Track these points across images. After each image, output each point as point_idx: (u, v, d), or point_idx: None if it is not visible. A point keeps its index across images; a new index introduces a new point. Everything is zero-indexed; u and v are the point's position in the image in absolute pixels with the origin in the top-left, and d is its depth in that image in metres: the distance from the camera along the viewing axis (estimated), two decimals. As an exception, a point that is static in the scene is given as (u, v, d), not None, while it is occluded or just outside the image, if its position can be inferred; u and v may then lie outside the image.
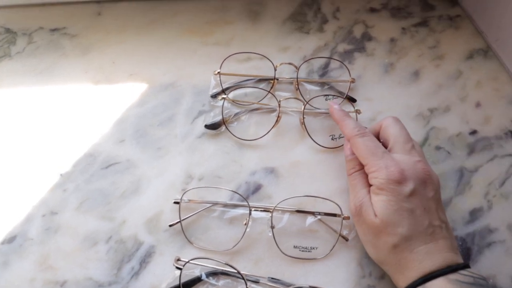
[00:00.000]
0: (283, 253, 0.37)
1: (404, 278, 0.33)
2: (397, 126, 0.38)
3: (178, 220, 0.39)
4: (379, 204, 0.34)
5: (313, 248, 0.38)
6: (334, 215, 0.39)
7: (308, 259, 0.38)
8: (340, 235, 0.38)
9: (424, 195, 0.34)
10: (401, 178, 0.33)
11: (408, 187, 0.33)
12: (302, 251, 0.38)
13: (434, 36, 0.52)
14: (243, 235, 0.38)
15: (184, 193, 0.40)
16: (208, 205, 0.40)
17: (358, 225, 0.36)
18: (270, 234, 0.38)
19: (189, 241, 0.39)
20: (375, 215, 0.34)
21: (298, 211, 0.40)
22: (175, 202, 0.40)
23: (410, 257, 0.32)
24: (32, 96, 0.46)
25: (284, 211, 0.40)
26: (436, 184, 0.35)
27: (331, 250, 0.38)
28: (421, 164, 0.35)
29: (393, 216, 0.33)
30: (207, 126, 0.44)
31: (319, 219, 0.39)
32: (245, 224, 0.38)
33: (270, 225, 0.38)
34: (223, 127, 0.44)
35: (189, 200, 0.40)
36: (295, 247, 0.38)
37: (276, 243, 0.37)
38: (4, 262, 0.37)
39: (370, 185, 0.36)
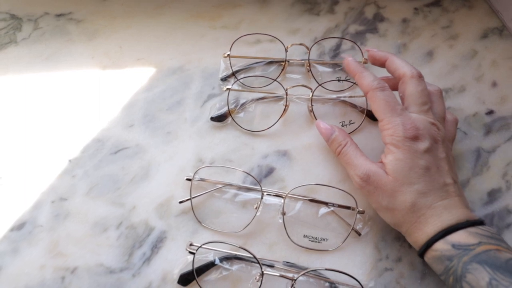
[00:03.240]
0: (292, 241, 0.37)
1: (424, 234, 0.32)
2: (418, 86, 0.36)
3: (189, 197, 0.38)
4: (393, 164, 0.34)
5: (324, 239, 0.37)
6: (349, 207, 0.38)
7: (318, 250, 0.37)
8: (353, 229, 0.37)
9: (436, 155, 0.34)
10: (417, 135, 0.33)
11: (424, 144, 0.33)
12: (312, 241, 0.37)
13: (447, 16, 0.51)
14: (252, 218, 0.37)
15: (197, 170, 0.40)
16: (220, 185, 0.39)
17: (369, 194, 0.35)
18: (281, 220, 0.37)
19: (198, 220, 0.38)
20: (388, 176, 0.34)
21: (312, 200, 0.38)
22: (187, 179, 0.39)
23: (429, 213, 0.32)
24: (39, 82, 0.46)
25: (297, 199, 0.39)
26: (448, 147, 0.36)
27: (342, 243, 0.37)
28: (435, 127, 0.35)
29: (408, 173, 0.33)
30: (213, 119, 0.43)
31: (332, 211, 0.38)
32: (256, 208, 0.37)
33: (282, 211, 0.37)
34: (230, 119, 0.43)
35: (201, 179, 0.40)
36: (305, 236, 0.37)
37: (286, 231, 0.37)
38: (13, 249, 0.37)
39: (366, 155, 0.36)
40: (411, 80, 0.36)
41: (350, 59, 0.40)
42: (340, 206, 0.38)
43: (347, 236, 0.37)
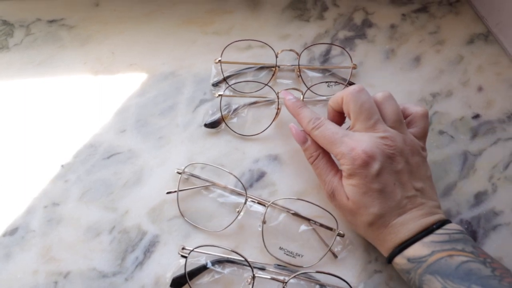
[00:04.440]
0: (268, 251, 0.37)
1: (384, 250, 0.34)
2: (357, 101, 0.34)
3: (176, 190, 0.39)
4: (349, 189, 0.34)
5: (299, 255, 0.38)
6: (330, 228, 0.38)
7: (294, 265, 0.37)
8: (330, 250, 0.37)
9: (392, 170, 0.33)
10: (365, 159, 0.33)
11: (374, 167, 0.33)
12: (287, 254, 0.38)
13: (434, 22, 0.52)
14: (232, 221, 0.38)
15: (188, 165, 0.40)
16: (208, 184, 0.40)
17: (336, 207, 0.37)
18: (260, 228, 0.37)
19: (180, 213, 0.39)
20: (347, 198, 0.35)
21: (295, 214, 0.39)
22: (177, 172, 0.40)
23: (386, 231, 0.33)
24: (31, 88, 0.46)
25: (281, 210, 0.39)
26: (406, 154, 0.34)
27: (317, 262, 0.37)
28: (385, 140, 0.33)
29: (363, 198, 0.33)
30: (206, 125, 0.43)
31: (313, 228, 0.39)
32: (238, 211, 0.38)
33: (262, 219, 0.38)
34: (223, 125, 0.44)
35: (192, 174, 0.40)
36: (281, 248, 0.38)
37: (263, 239, 0.37)
38: (6, 254, 0.37)
39: (336, 169, 0.37)
40: (349, 96, 0.35)
41: (289, 97, 0.40)
42: (321, 225, 0.38)
43: (323, 257, 0.37)
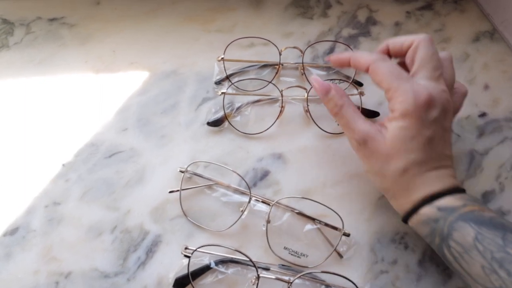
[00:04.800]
0: (272, 251, 0.36)
1: (410, 200, 0.33)
2: (429, 49, 0.34)
3: (179, 189, 0.38)
4: (396, 131, 0.32)
5: (304, 255, 0.37)
6: (336, 228, 0.37)
7: (299, 265, 0.36)
8: (335, 250, 0.37)
9: (442, 125, 0.33)
10: (429, 102, 0.32)
11: (433, 113, 0.32)
12: (292, 254, 0.37)
13: (439, 20, 0.51)
14: (236, 220, 0.37)
15: (191, 164, 0.40)
16: (211, 183, 0.39)
17: (364, 157, 0.35)
18: (264, 228, 0.37)
19: (184, 213, 0.38)
20: (385, 143, 0.33)
21: (299, 214, 0.38)
22: (180, 171, 0.39)
23: (419, 181, 0.32)
24: (31, 87, 0.45)
25: (285, 209, 0.39)
26: (452, 117, 0.34)
27: (322, 262, 0.36)
28: (446, 94, 0.33)
29: (409, 143, 0.32)
30: (209, 124, 0.43)
31: (318, 228, 0.38)
32: (242, 211, 0.37)
33: (267, 219, 0.37)
34: (226, 123, 0.43)
35: (194, 173, 0.40)
36: (285, 248, 0.37)
37: (267, 239, 0.36)
38: (6, 254, 0.36)
39: (364, 117, 0.35)
40: (422, 43, 0.34)
41: (333, 57, 0.39)
42: (327, 224, 0.38)
43: (328, 257, 0.36)
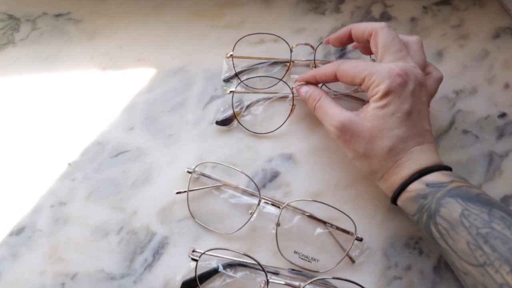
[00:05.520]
0: (282, 255, 0.35)
1: (399, 177, 0.33)
2: (389, 34, 0.35)
3: (186, 190, 0.38)
4: (375, 111, 0.33)
5: (315, 259, 0.36)
6: (348, 232, 0.36)
7: (309, 270, 0.35)
8: (347, 255, 0.36)
9: (419, 98, 0.33)
10: (403, 75, 0.33)
11: (409, 86, 0.33)
12: (302, 259, 0.36)
13: (457, 15, 0.49)
14: (245, 223, 0.36)
15: (199, 164, 0.39)
16: (219, 184, 0.38)
17: (345, 143, 0.35)
18: (274, 231, 0.36)
19: (191, 214, 0.37)
20: (365, 123, 0.33)
21: (310, 217, 0.37)
22: (188, 171, 0.38)
23: (406, 157, 0.32)
24: (37, 83, 0.45)
25: (295, 212, 0.37)
26: (427, 92, 0.35)
27: (334, 267, 0.35)
28: (417, 70, 0.34)
29: (390, 119, 0.32)
30: (218, 123, 0.42)
31: (330, 232, 0.37)
32: (251, 213, 0.36)
33: (277, 222, 0.36)
34: (235, 122, 0.42)
35: (202, 173, 0.39)
36: (295, 252, 0.36)
37: (277, 243, 0.35)
38: (12, 255, 0.36)
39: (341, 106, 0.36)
40: (381, 31, 0.36)
41: (299, 79, 0.40)
42: (338, 228, 0.36)
43: (340, 261, 0.35)
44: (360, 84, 0.35)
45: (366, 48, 0.41)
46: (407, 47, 0.37)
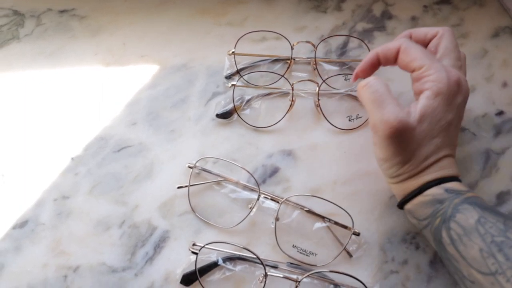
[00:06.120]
0: (281, 248, 0.36)
1: (420, 181, 0.32)
2: (453, 41, 0.35)
3: (187, 184, 0.38)
4: (428, 111, 0.31)
5: (312, 253, 0.36)
6: (345, 227, 0.37)
7: (307, 264, 0.36)
8: (344, 249, 0.36)
9: (461, 112, 0.33)
10: (459, 84, 0.32)
11: (459, 97, 0.32)
12: (300, 252, 0.36)
13: (457, 14, 0.50)
14: (245, 217, 0.37)
15: (200, 159, 0.39)
16: (220, 179, 0.39)
17: (393, 144, 0.32)
18: (273, 226, 0.36)
19: (192, 209, 0.38)
20: (415, 129, 0.31)
21: (309, 211, 0.38)
22: (189, 167, 0.39)
23: (434, 165, 0.32)
24: (41, 79, 0.45)
25: (294, 207, 0.38)
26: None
27: (331, 261, 0.36)
28: (467, 84, 0.33)
29: (435, 125, 0.32)
30: (218, 116, 0.42)
31: (328, 226, 0.37)
32: (250, 208, 0.37)
33: (275, 216, 0.36)
34: (235, 115, 0.42)
35: (203, 169, 0.39)
36: (294, 246, 0.37)
37: (276, 237, 0.36)
38: (16, 247, 0.36)
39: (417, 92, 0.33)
40: (447, 33, 0.35)
41: (359, 70, 0.37)
42: (336, 223, 0.37)
43: (337, 256, 0.36)
44: (414, 71, 0.33)
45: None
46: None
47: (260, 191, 0.37)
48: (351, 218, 0.36)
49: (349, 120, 0.42)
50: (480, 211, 0.29)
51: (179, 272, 0.35)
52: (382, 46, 0.35)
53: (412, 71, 0.33)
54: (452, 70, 0.32)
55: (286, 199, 0.37)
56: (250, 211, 0.37)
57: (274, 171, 0.40)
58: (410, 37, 0.37)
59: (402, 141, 0.32)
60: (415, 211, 0.33)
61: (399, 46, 0.34)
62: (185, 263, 0.36)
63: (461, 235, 0.29)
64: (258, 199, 0.37)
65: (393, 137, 0.31)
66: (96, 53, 0.47)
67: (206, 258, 0.35)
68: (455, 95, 0.32)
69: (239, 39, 0.45)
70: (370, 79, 0.34)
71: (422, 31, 0.37)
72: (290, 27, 0.49)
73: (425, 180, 0.32)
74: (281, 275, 0.34)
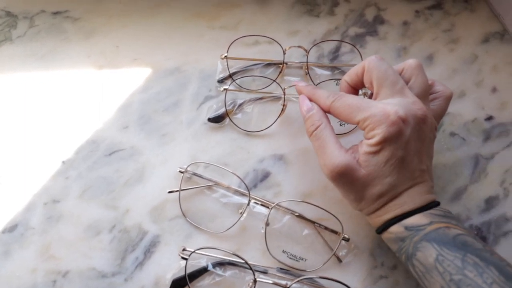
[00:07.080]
0: (271, 254, 0.36)
1: (382, 220, 0.33)
2: (381, 67, 0.33)
3: (178, 189, 0.38)
4: (368, 157, 0.31)
5: (302, 258, 0.37)
6: (335, 232, 0.37)
7: (297, 269, 0.36)
8: (334, 254, 0.36)
9: (418, 138, 0.32)
10: (401, 125, 0.30)
11: (406, 133, 0.31)
12: (290, 258, 0.37)
13: (448, 19, 0.50)
14: (235, 222, 0.37)
15: (191, 164, 0.39)
16: (211, 183, 0.39)
17: (338, 186, 0.33)
18: (263, 231, 0.36)
19: (183, 214, 0.38)
20: (361, 170, 0.32)
21: (299, 217, 0.38)
22: (180, 171, 0.39)
23: (392, 203, 0.32)
24: (33, 81, 0.45)
25: (285, 212, 0.38)
26: (431, 126, 0.33)
27: (320, 266, 0.36)
28: (416, 105, 0.32)
29: (383, 167, 0.31)
30: (210, 120, 0.42)
31: (318, 232, 0.38)
32: (241, 213, 0.37)
33: (266, 221, 0.37)
34: (227, 120, 0.42)
35: (194, 173, 0.40)
36: (284, 251, 0.37)
37: (266, 242, 0.36)
38: (4, 252, 0.36)
39: (340, 143, 0.34)
40: (371, 63, 0.33)
41: (300, 84, 0.38)
42: (326, 228, 0.37)
43: (327, 261, 0.36)
44: (358, 123, 0.33)
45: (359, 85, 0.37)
46: (405, 73, 0.35)
47: (251, 196, 0.37)
48: (341, 223, 0.37)
49: (340, 125, 0.42)
50: (438, 247, 0.29)
51: (169, 277, 0.35)
52: (314, 96, 0.36)
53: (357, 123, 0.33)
54: (387, 108, 0.31)
55: (276, 204, 0.37)
56: (241, 216, 0.37)
57: (265, 175, 0.40)
58: (348, 86, 0.37)
59: (346, 183, 0.33)
60: (388, 245, 0.34)
61: (328, 108, 0.35)
62: (175, 268, 0.36)
63: (424, 273, 0.30)
64: (248, 204, 0.37)
65: (336, 180, 0.33)
66: (89, 55, 0.47)
67: (196, 263, 0.36)
68: (398, 135, 0.31)
69: (231, 43, 0.45)
70: (314, 111, 0.35)
71: (353, 73, 0.36)
72: (284, 31, 0.49)
73: (385, 219, 0.32)
74: (271, 281, 0.34)
